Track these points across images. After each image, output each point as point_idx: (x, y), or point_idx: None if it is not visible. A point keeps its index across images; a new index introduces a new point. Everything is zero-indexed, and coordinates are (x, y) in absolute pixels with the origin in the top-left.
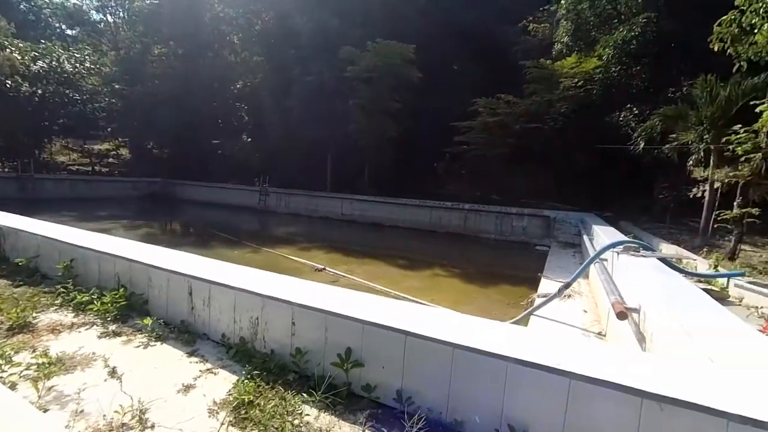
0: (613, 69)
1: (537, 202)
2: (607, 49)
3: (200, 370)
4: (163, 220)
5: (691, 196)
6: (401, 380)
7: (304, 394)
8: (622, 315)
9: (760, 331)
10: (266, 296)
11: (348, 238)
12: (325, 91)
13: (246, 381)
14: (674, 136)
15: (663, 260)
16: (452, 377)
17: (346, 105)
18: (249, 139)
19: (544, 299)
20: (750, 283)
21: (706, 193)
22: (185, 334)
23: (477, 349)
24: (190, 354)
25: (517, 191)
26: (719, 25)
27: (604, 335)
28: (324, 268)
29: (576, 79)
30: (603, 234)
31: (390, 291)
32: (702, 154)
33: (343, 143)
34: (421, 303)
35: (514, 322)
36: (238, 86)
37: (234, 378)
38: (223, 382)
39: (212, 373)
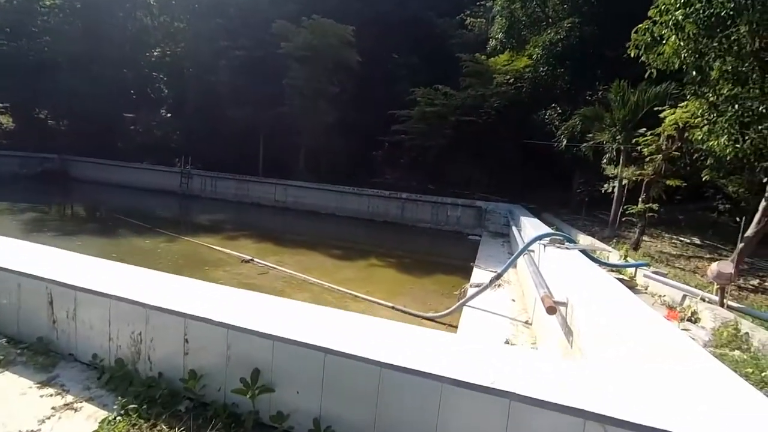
0: (541, 69)
1: (469, 193)
2: (536, 49)
3: (54, 407)
4: (59, 204)
5: (603, 192)
6: (320, 406)
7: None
8: (551, 310)
9: (666, 318)
10: (151, 306)
11: (281, 226)
12: (256, 67)
13: (118, 418)
14: (591, 135)
15: (584, 252)
16: (379, 400)
17: (279, 84)
18: (168, 115)
19: (476, 289)
20: (653, 272)
21: (615, 189)
22: (41, 356)
23: (407, 368)
24: (44, 384)
25: (451, 181)
26: (636, 32)
27: (531, 324)
28: (252, 259)
29: (508, 76)
30: (530, 226)
31: (323, 283)
32: (614, 153)
33: (277, 125)
34: (356, 295)
35: (448, 314)
36: (155, 53)
37: (102, 414)
38: (84, 423)
39: (72, 409)
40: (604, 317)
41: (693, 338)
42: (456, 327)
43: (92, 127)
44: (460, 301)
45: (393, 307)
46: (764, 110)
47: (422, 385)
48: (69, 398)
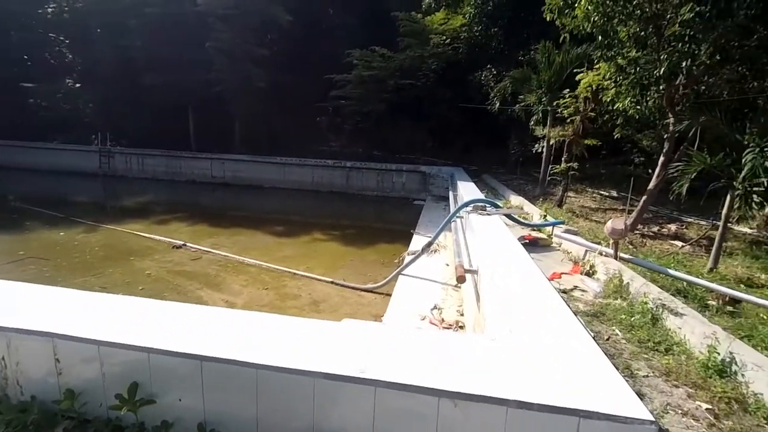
0: (476, 29)
1: (415, 158)
2: (468, 8)
3: None
4: None
5: (534, 152)
6: (203, 410)
7: None
8: (461, 279)
9: (568, 273)
10: (12, 329)
11: (219, 204)
12: (174, 28)
13: None
14: (522, 97)
15: (508, 216)
16: (259, 400)
17: (203, 48)
18: (77, 85)
19: (411, 257)
20: (565, 231)
21: (544, 149)
22: None
23: (282, 367)
24: None
25: (396, 146)
26: None
27: (460, 287)
28: (184, 245)
29: (445, 36)
30: (463, 190)
31: (261, 264)
32: (541, 114)
33: (206, 94)
34: (294, 273)
35: (385, 284)
36: (50, 10)
37: None
38: None
39: None
40: (500, 285)
41: (586, 290)
42: (391, 296)
43: None
44: (396, 270)
45: (332, 282)
46: (658, 74)
47: (296, 381)
48: None
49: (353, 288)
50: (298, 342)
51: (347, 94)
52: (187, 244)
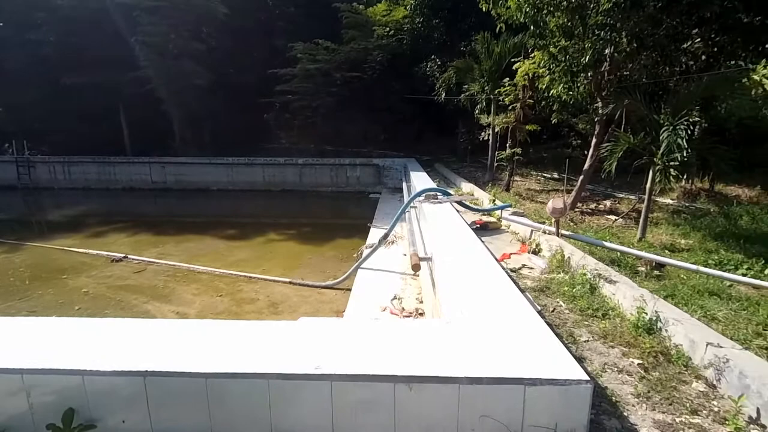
0: (418, 20)
1: (367, 151)
2: None
3: None
4: None
5: (481, 140)
6: (150, 429)
7: None
8: (416, 267)
9: (516, 253)
10: None
11: (163, 211)
12: (93, 22)
13: None
14: (466, 87)
15: (460, 202)
16: (211, 410)
17: (130, 43)
18: None
19: (369, 251)
20: (512, 214)
21: (490, 137)
22: None
23: (233, 372)
24: None
25: (349, 141)
26: None
27: (419, 276)
28: (125, 257)
29: (388, 28)
30: (416, 181)
31: (213, 270)
32: (484, 103)
33: (137, 93)
34: (250, 276)
35: (344, 279)
36: None
37: None
38: None
39: None
40: (453, 270)
41: (533, 267)
42: (351, 290)
43: None
44: (354, 265)
45: (290, 282)
46: (584, 61)
47: (250, 385)
48: None
49: (312, 286)
50: (251, 346)
51: (294, 89)
52: (129, 256)
